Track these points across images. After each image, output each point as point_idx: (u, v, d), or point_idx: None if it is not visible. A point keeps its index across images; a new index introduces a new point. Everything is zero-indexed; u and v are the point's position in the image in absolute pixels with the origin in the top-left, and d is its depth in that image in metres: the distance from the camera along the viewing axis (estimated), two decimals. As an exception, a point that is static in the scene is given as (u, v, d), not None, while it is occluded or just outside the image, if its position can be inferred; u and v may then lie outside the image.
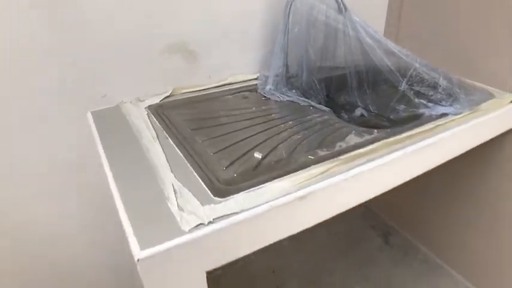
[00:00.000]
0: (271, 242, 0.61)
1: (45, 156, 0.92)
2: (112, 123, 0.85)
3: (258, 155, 0.71)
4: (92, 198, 1.03)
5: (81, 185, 0.99)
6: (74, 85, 0.88)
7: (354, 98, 1.06)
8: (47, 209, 0.98)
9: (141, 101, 0.96)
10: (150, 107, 0.92)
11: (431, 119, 0.88)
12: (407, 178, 0.78)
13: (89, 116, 0.90)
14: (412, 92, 0.93)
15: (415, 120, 0.87)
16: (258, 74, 1.10)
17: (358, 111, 1.04)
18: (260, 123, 0.85)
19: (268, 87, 1.01)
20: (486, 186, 1.19)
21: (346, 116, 1.03)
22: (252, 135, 0.79)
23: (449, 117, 0.87)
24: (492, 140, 0.98)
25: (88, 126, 0.87)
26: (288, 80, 1.05)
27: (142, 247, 0.49)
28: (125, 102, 0.95)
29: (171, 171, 0.65)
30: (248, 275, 1.38)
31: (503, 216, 1.17)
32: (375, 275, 1.40)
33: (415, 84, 0.93)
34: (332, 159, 0.68)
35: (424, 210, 1.45)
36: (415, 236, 1.54)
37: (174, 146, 0.74)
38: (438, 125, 0.83)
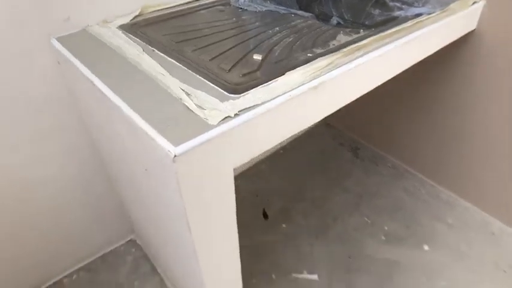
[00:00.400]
0: (290, 134, 0.62)
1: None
2: (85, 46, 0.77)
3: (257, 57, 0.69)
4: (68, 139, 0.96)
5: (54, 124, 0.92)
6: (32, 8, 0.78)
7: (328, 7, 1.05)
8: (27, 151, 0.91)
9: (109, 22, 0.88)
10: (122, 27, 0.85)
11: (407, 19, 0.89)
12: (399, 71, 0.81)
13: (54, 42, 0.81)
14: (387, -6, 0.94)
15: (391, 22, 0.88)
16: (228, -11, 1.04)
17: (334, 20, 1.04)
18: (246, 31, 0.82)
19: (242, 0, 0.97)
20: (449, 89, 1.27)
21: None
22: (243, 41, 0.76)
23: (425, 16, 0.90)
24: (454, 44, 1.03)
25: (53, 55, 0.79)
26: (261, -9, 1.01)
27: (176, 144, 0.47)
28: (91, 26, 0.86)
29: (174, 77, 0.61)
30: (236, 200, 1.41)
31: (463, 118, 1.27)
32: (350, 185, 1.49)
33: (389, -16, 0.94)
34: (333, 53, 0.68)
35: (389, 122, 1.54)
36: (382, 148, 1.64)
37: (165, 56, 0.70)
38: (418, 22, 0.85)
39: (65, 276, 1.18)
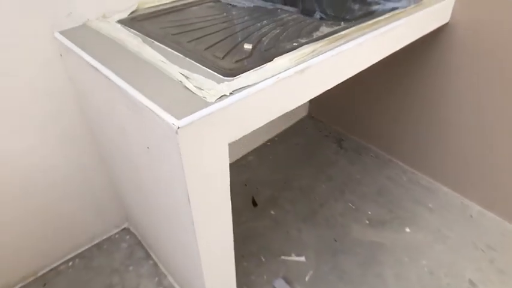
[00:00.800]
0: (279, 114, 0.68)
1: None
2: (87, 38, 0.83)
3: (248, 46, 0.76)
4: (68, 128, 1.01)
5: (55, 114, 0.97)
6: (37, 4, 0.83)
7: (312, 3, 1.12)
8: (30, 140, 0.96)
9: (108, 17, 0.94)
10: (120, 21, 0.90)
11: (384, 12, 0.97)
12: (377, 59, 0.88)
13: (58, 35, 0.86)
14: (366, -10, 1.02)
15: (370, 15, 0.96)
16: (218, -13, 1.11)
17: (317, 15, 1.11)
18: (237, 24, 0.89)
19: (231, -4, 1.04)
20: (426, 80, 1.36)
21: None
22: (234, 33, 0.83)
23: (400, 10, 0.98)
24: (429, 35, 1.12)
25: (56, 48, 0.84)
26: (249, -11, 1.08)
27: (179, 117, 0.53)
28: (91, 20, 0.92)
29: (173, 64, 0.68)
30: (222, 190, 1.47)
31: (438, 106, 1.36)
32: (336, 174, 1.57)
33: (368, -19, 1.02)
34: (316, 42, 0.75)
35: (370, 114, 1.62)
36: (365, 139, 1.72)
37: (164, 46, 0.76)
38: (393, 15, 0.93)
39: (62, 263, 1.22)
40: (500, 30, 1.10)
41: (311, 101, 1.85)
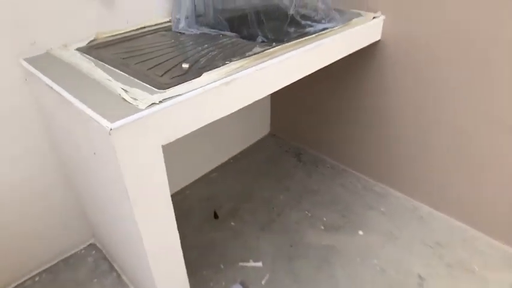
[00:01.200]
0: (209, 121, 0.79)
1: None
2: (49, 64, 0.94)
3: (185, 65, 0.87)
4: (32, 146, 1.11)
5: (20, 132, 1.07)
6: (3, 34, 0.95)
7: (255, 29, 1.25)
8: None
9: (68, 46, 1.05)
10: (79, 49, 1.02)
11: (315, 33, 1.12)
12: (302, 75, 1.01)
13: (23, 62, 0.97)
14: (299, 16, 1.16)
15: (302, 36, 1.10)
16: (171, 17, 1.24)
17: (259, 39, 1.24)
18: (181, 49, 1.01)
19: (181, 25, 1.17)
20: (366, 92, 1.50)
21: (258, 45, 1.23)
22: (176, 56, 0.95)
23: (328, 30, 1.12)
24: (365, 52, 1.26)
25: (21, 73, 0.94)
26: (197, 18, 1.21)
27: (112, 121, 0.64)
28: (53, 49, 1.03)
29: (117, 81, 0.79)
30: (187, 205, 1.56)
31: (380, 117, 1.50)
32: (293, 185, 1.68)
33: (300, 8, 1.16)
34: (244, 59, 0.88)
35: (325, 128, 1.75)
36: (322, 152, 1.85)
37: (113, 68, 0.87)
38: (320, 34, 1.07)
39: (28, 279, 1.27)
40: (420, 45, 1.26)
41: (272, 120, 1.98)
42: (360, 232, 1.45)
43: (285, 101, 1.85)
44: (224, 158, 1.80)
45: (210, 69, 0.83)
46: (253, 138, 1.95)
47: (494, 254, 1.37)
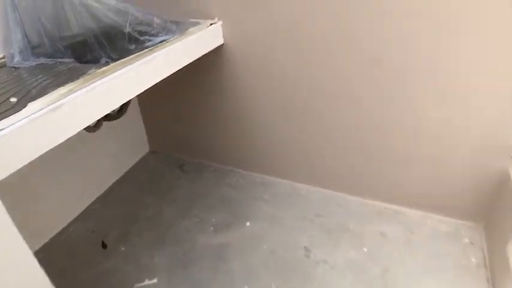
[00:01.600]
0: (49, 148, 0.78)
1: None
2: None
3: (13, 99, 0.85)
4: None
5: None
6: None
7: (97, 52, 1.26)
8: None
9: None
10: None
11: (153, 45, 1.16)
12: (143, 88, 1.05)
13: None
14: (136, 33, 1.20)
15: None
16: (4, 54, 1.19)
17: (103, 60, 1.25)
18: (12, 83, 0.98)
19: (15, 60, 1.13)
20: (219, 93, 1.62)
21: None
22: (6, 92, 0.92)
23: (165, 42, 1.18)
24: (212, 55, 1.35)
25: None
26: (34, 50, 1.18)
27: None
28: None
29: None
30: (73, 243, 1.49)
31: (244, 114, 1.61)
32: (179, 196, 1.71)
33: (136, 26, 1.20)
34: (74, 82, 0.88)
35: (199, 134, 1.83)
36: (204, 158, 1.91)
37: None
38: (157, 47, 1.12)
39: None
40: (256, 42, 1.41)
41: (149, 137, 1.99)
42: (248, 223, 1.53)
43: (156, 116, 1.87)
44: (105, 187, 1.76)
45: (39, 98, 0.82)
46: (132, 159, 1.92)
47: (365, 211, 1.56)
